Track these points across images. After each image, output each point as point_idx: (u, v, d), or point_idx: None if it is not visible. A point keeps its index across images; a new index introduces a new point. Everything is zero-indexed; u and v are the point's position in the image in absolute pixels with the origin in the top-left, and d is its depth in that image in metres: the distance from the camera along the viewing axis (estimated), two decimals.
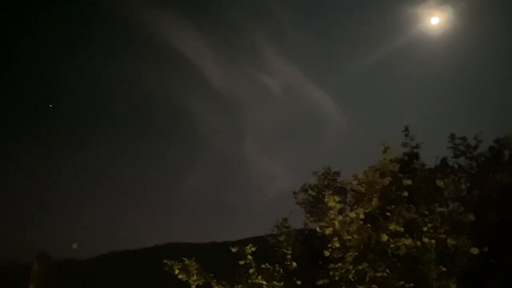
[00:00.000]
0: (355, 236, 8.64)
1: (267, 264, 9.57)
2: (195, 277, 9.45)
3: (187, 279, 9.51)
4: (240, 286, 9.47)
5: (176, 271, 9.46)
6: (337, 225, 8.72)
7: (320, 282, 9.26)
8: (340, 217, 8.75)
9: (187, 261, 9.49)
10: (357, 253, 8.60)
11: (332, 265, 8.89)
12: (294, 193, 13.56)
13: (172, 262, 9.55)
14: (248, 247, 9.56)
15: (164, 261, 9.65)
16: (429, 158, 11.13)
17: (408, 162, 10.59)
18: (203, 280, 9.53)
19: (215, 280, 9.56)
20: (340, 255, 8.81)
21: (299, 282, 9.56)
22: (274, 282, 9.24)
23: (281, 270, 9.59)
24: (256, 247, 9.76)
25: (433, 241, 8.17)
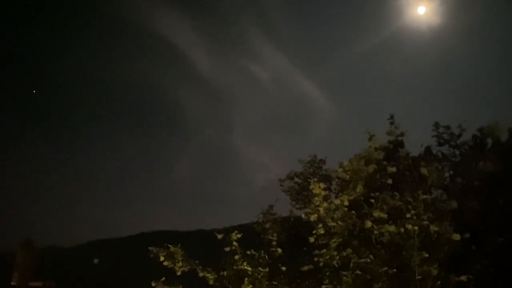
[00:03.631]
0: (339, 223, 8.72)
1: (252, 250, 9.63)
2: (180, 263, 9.47)
3: (172, 265, 9.52)
4: (225, 272, 9.51)
5: (162, 258, 9.47)
6: (322, 211, 8.78)
7: (305, 268, 9.35)
8: (325, 204, 8.81)
9: (172, 248, 9.49)
10: (341, 239, 8.69)
11: (316, 251, 8.97)
12: (280, 180, 13.61)
13: (158, 249, 9.55)
14: (233, 234, 9.59)
15: (150, 248, 9.64)
16: (413, 147, 11.25)
17: (393, 150, 10.69)
18: (189, 267, 9.56)
19: (200, 267, 9.59)
20: (324, 242, 8.89)
21: (284, 268, 9.64)
22: (259, 268, 9.31)
23: (266, 256, 9.67)
24: (242, 234, 9.80)
25: (416, 228, 8.26)
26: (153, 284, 9.43)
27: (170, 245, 9.52)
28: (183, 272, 9.61)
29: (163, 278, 9.49)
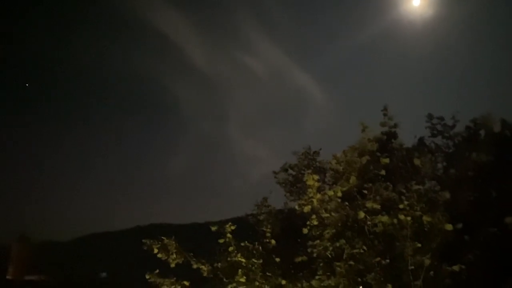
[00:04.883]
0: (333, 214, 8.73)
1: (246, 242, 9.62)
2: (174, 255, 9.46)
3: (166, 258, 9.52)
4: (219, 264, 9.52)
5: (155, 250, 9.45)
6: (315, 203, 8.78)
7: (299, 259, 9.39)
8: (319, 195, 8.81)
9: (166, 240, 9.48)
10: (335, 230, 8.71)
11: (310, 242, 9.00)
12: (274, 172, 13.63)
13: (151, 241, 9.53)
14: (227, 226, 9.59)
15: (143, 240, 9.62)
16: (407, 138, 11.29)
17: (387, 141, 10.72)
18: (183, 259, 9.56)
19: (194, 259, 9.59)
20: (318, 233, 8.91)
21: (278, 259, 9.66)
22: (253, 259, 9.31)
23: (260, 248, 9.67)
24: (237, 226, 9.80)
25: (409, 218, 8.29)
26: (147, 277, 9.43)
27: (164, 238, 9.51)
28: (177, 264, 9.61)
29: (157, 271, 9.49)
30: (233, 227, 9.63)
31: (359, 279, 8.50)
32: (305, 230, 9.11)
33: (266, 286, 9.15)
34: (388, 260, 8.41)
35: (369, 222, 8.56)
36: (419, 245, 8.26)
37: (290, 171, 13.25)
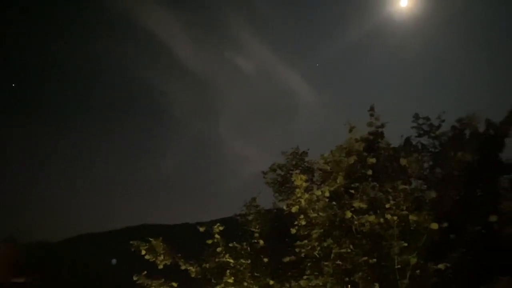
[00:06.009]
0: (320, 214, 8.79)
1: (234, 242, 9.64)
2: (162, 257, 9.45)
3: (154, 259, 9.51)
4: (208, 265, 9.53)
5: (143, 252, 9.43)
6: (303, 203, 8.84)
7: (287, 259, 9.42)
8: (306, 195, 8.86)
9: (153, 241, 9.46)
10: (322, 230, 8.77)
11: (298, 242, 9.04)
12: (263, 173, 13.62)
13: (139, 242, 9.51)
14: (215, 226, 9.60)
15: (131, 242, 9.59)
16: (393, 138, 11.37)
17: (373, 141, 10.78)
18: (171, 260, 9.55)
19: (182, 260, 9.59)
20: (306, 233, 8.96)
21: (266, 260, 9.69)
22: (242, 260, 9.34)
23: (248, 248, 9.69)
24: (226, 227, 9.81)
25: (396, 218, 8.37)
26: (134, 278, 9.41)
27: (151, 239, 9.49)
28: (167, 265, 9.60)
29: (145, 272, 9.48)
30: (221, 228, 9.65)
31: (347, 279, 8.57)
32: (293, 230, 9.16)
33: (254, 286, 9.20)
34: (375, 259, 8.47)
35: (356, 222, 8.64)
36: (406, 244, 8.35)
37: (279, 171, 13.25)
